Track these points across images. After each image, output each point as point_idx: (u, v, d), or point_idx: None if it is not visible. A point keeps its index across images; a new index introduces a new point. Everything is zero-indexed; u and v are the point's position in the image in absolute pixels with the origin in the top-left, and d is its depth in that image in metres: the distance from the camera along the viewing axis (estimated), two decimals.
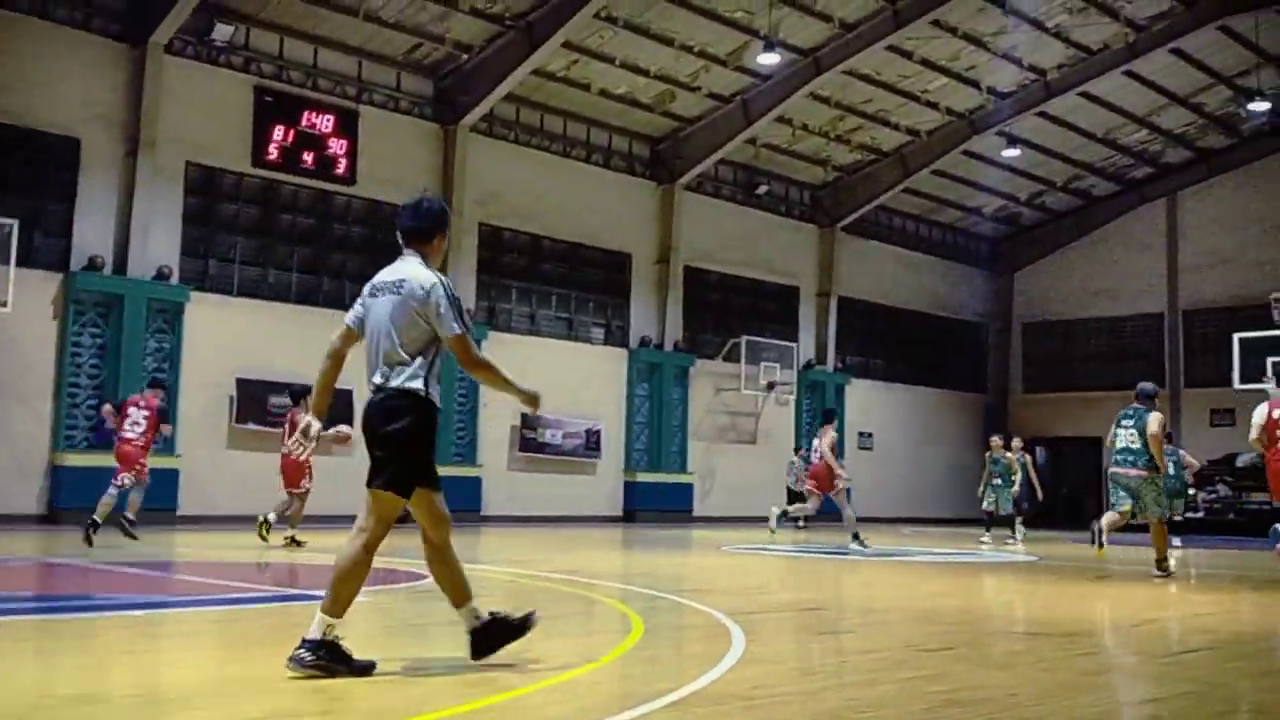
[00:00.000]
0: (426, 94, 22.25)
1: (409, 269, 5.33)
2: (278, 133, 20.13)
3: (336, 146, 20.81)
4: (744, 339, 26.71)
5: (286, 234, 20.57)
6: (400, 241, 5.55)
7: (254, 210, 20.24)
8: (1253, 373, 24.26)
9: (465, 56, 21.66)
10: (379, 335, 5.21)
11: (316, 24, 20.31)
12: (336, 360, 5.50)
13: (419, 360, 5.11)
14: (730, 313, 27.55)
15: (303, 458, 13.57)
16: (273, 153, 20.09)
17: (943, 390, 32.35)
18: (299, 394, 13.36)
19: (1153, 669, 5.74)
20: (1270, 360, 23.83)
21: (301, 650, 4.75)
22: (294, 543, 13.09)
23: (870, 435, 30.14)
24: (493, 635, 5.17)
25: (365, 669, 4.81)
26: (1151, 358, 31.24)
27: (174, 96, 18.98)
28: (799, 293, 29.00)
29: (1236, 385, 24.99)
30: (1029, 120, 26.91)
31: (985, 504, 19.98)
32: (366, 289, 5.45)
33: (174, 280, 18.79)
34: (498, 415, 22.57)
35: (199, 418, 18.96)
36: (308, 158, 20.50)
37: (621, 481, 24.73)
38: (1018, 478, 20.06)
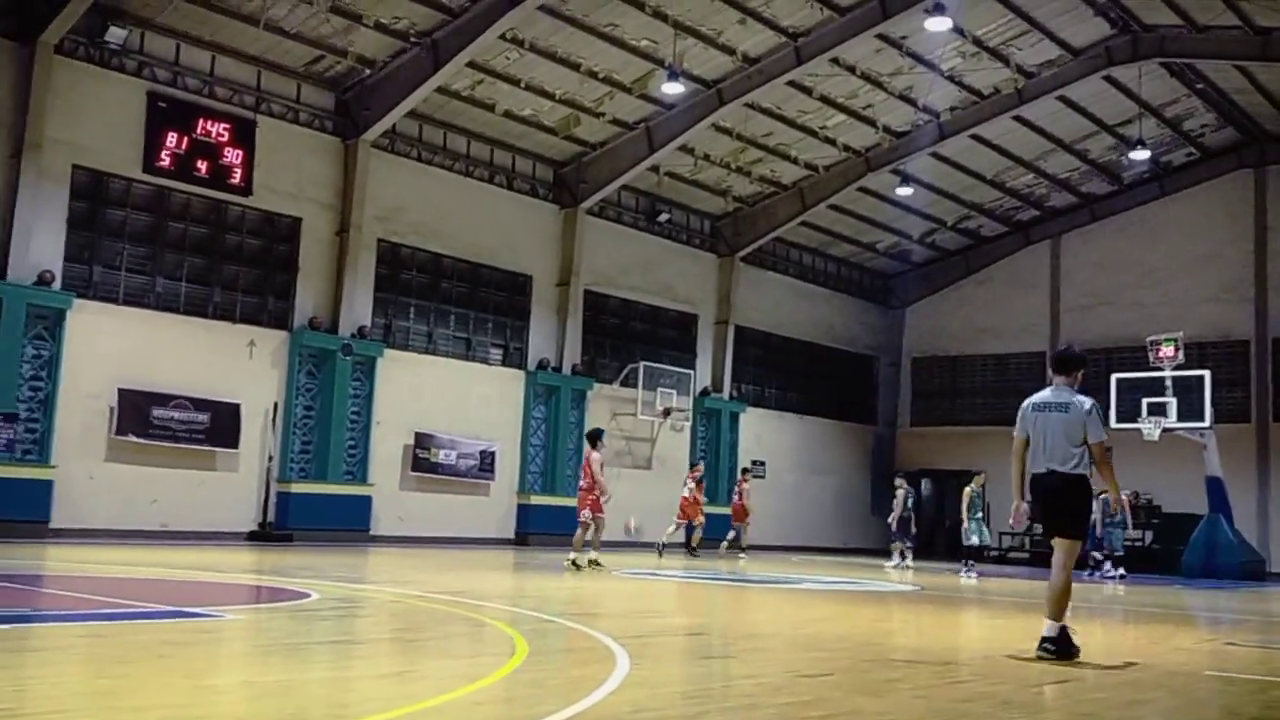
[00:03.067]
0: (327, 107, 21.97)
1: (1067, 395, 7.65)
2: (171, 139, 19.64)
3: (232, 156, 20.38)
4: (642, 364, 26.86)
5: (177, 243, 20.05)
6: (1051, 372, 7.96)
7: (144, 217, 19.69)
8: (1129, 413, 25.19)
9: (368, 71, 21.46)
10: (1050, 437, 7.57)
11: (214, 31, 19.92)
12: (1020, 459, 7.75)
13: (1078, 453, 7.50)
14: (629, 338, 27.68)
15: (605, 500, 15.49)
16: (165, 159, 19.59)
17: (833, 421, 32.91)
18: (595, 437, 15.90)
19: (1024, 698, 5.90)
20: (1146, 401, 24.75)
21: (1045, 645, 7.34)
22: (594, 565, 15.20)
23: (763, 463, 30.49)
24: (1061, 645, 7.35)
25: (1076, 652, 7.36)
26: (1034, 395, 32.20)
27: (63, 98, 18.40)
28: (697, 320, 29.27)
29: (1113, 425, 25.89)
30: (922, 160, 27.68)
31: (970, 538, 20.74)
32: (1029, 406, 7.77)
33: (56, 286, 18.16)
34: (390, 434, 22.28)
35: (77, 428, 18.32)
36: (202, 166, 20.04)
37: (515, 504, 24.58)
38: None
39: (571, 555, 15.44)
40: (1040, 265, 32.52)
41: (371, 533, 21.52)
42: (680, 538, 23.24)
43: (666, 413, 27.21)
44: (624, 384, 26.90)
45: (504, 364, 24.86)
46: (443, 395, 23.38)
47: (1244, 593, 19.07)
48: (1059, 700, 5.86)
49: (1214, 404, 24.54)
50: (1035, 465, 7.61)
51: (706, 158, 26.68)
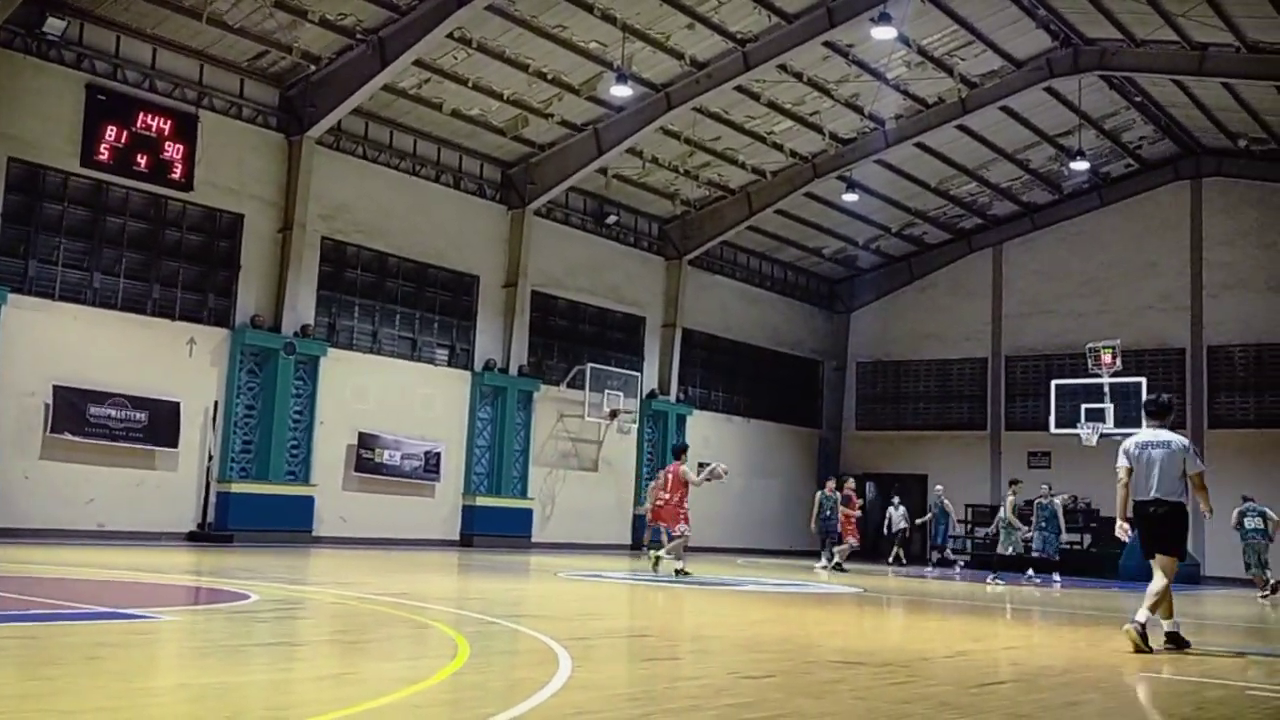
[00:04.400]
0: (271, 103, 21.70)
1: (1166, 434, 9.01)
2: (110, 133, 19.28)
3: (173, 150, 20.06)
4: (589, 366, 26.83)
5: (115, 238, 19.68)
6: (1146, 414, 9.46)
7: (81, 212, 19.31)
8: (1068, 419, 25.65)
9: (313, 68, 21.22)
10: (1156, 471, 8.82)
11: (156, 23, 19.59)
12: (1125, 488, 8.96)
13: (1180, 484, 8.84)
14: (576, 340, 27.64)
15: (683, 510, 16.04)
16: (104, 153, 19.23)
17: (780, 424, 33.11)
18: (679, 450, 16.92)
19: (962, 699, 5.96)
20: (1085, 407, 25.21)
21: (1154, 641, 8.70)
22: (682, 573, 15.61)
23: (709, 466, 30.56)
24: (1179, 642, 8.85)
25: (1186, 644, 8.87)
26: (976, 400, 32.69)
27: None
28: (645, 323, 29.31)
29: (1052, 429, 26.35)
30: (868, 166, 27.94)
31: (1005, 548, 20.96)
32: (1133, 445, 9.04)
33: None
34: (333, 434, 22.05)
35: (12, 426, 17.93)
36: (142, 160, 19.69)
37: (460, 505, 24.44)
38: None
39: (668, 558, 16.01)
40: (983, 273, 32.97)
41: (314, 534, 21.29)
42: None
43: (613, 415, 27.22)
44: (571, 386, 26.85)
45: (450, 364, 24.71)
46: (387, 395, 23.19)
47: (1179, 596, 19.38)
48: (996, 702, 5.94)
49: None
50: (1139, 494, 8.94)
51: (655, 161, 26.73)
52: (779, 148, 26.97)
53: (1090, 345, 25.46)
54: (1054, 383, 26.69)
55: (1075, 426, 25.10)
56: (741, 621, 10.29)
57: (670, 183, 27.96)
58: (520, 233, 25.66)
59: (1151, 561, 8.95)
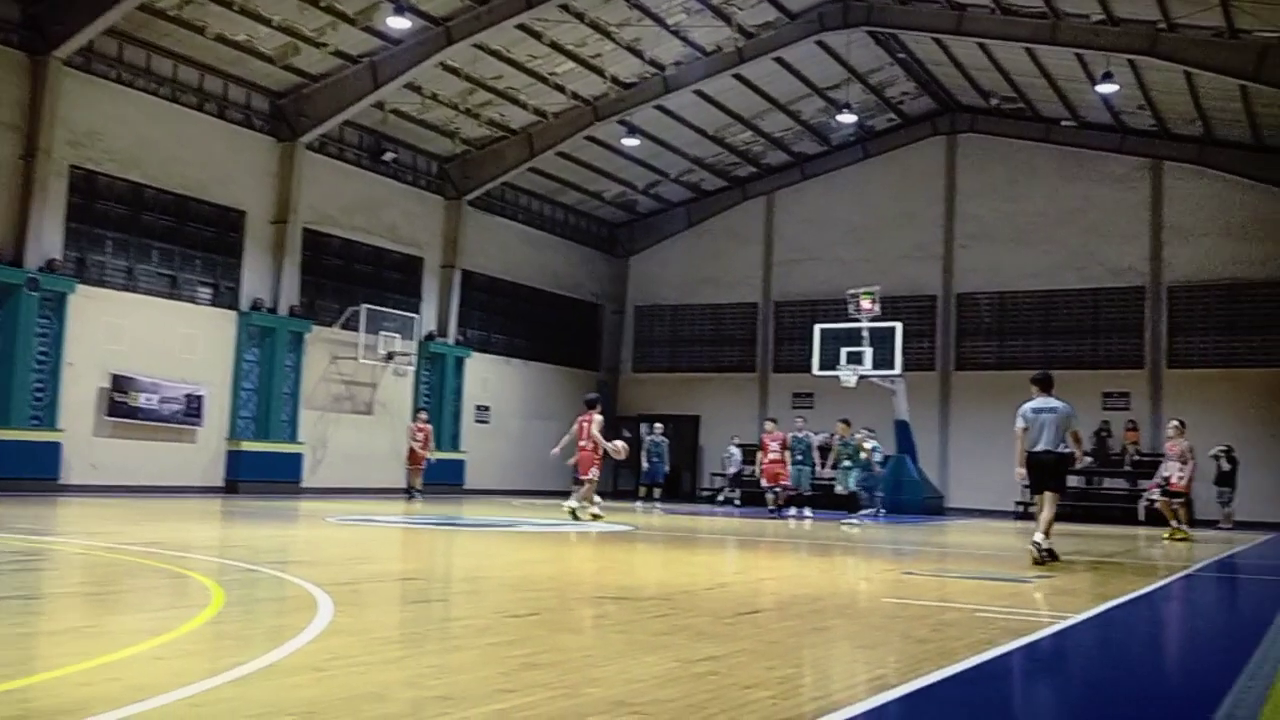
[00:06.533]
0: (12, 18, 19.93)
1: (1054, 402, 11.70)
2: None
3: None
4: (364, 307, 26.17)
5: None
6: (1037, 384, 11.92)
7: None
8: (830, 361, 26.87)
9: None
10: (1046, 429, 11.52)
11: None
12: (1021, 442, 11.65)
13: (1062, 439, 11.53)
14: (351, 280, 26.86)
15: (598, 457, 16.99)
16: None
17: (558, 367, 33.30)
18: (593, 402, 17.68)
19: (718, 629, 6.21)
20: (845, 350, 26.45)
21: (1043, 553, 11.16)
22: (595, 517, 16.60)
23: (488, 409, 30.52)
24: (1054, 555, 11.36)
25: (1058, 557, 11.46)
26: (747, 344, 33.79)
27: None
28: (423, 264, 28.77)
29: (816, 371, 27.56)
30: (648, 112, 28.19)
31: (837, 486, 21.24)
32: (1029, 409, 11.69)
33: None
34: (83, 375, 20.74)
35: None
36: None
37: (224, 450, 23.49)
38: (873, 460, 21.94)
39: (572, 504, 16.91)
40: (756, 220, 33.94)
41: (61, 481, 20.04)
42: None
43: (390, 357, 26.71)
44: (345, 327, 26.14)
45: (213, 304, 23.59)
46: (144, 336, 21.95)
47: (926, 527, 20.82)
48: (749, 630, 6.22)
49: (904, 353, 26.52)
50: (1032, 446, 11.55)
51: (434, 97, 26.13)
52: (561, 89, 26.83)
53: (851, 291, 26.68)
54: (818, 327, 27.82)
55: (836, 369, 26.31)
56: (512, 561, 10.37)
57: (450, 121, 27.41)
58: (291, 167, 24.63)
59: (1038, 496, 11.97)
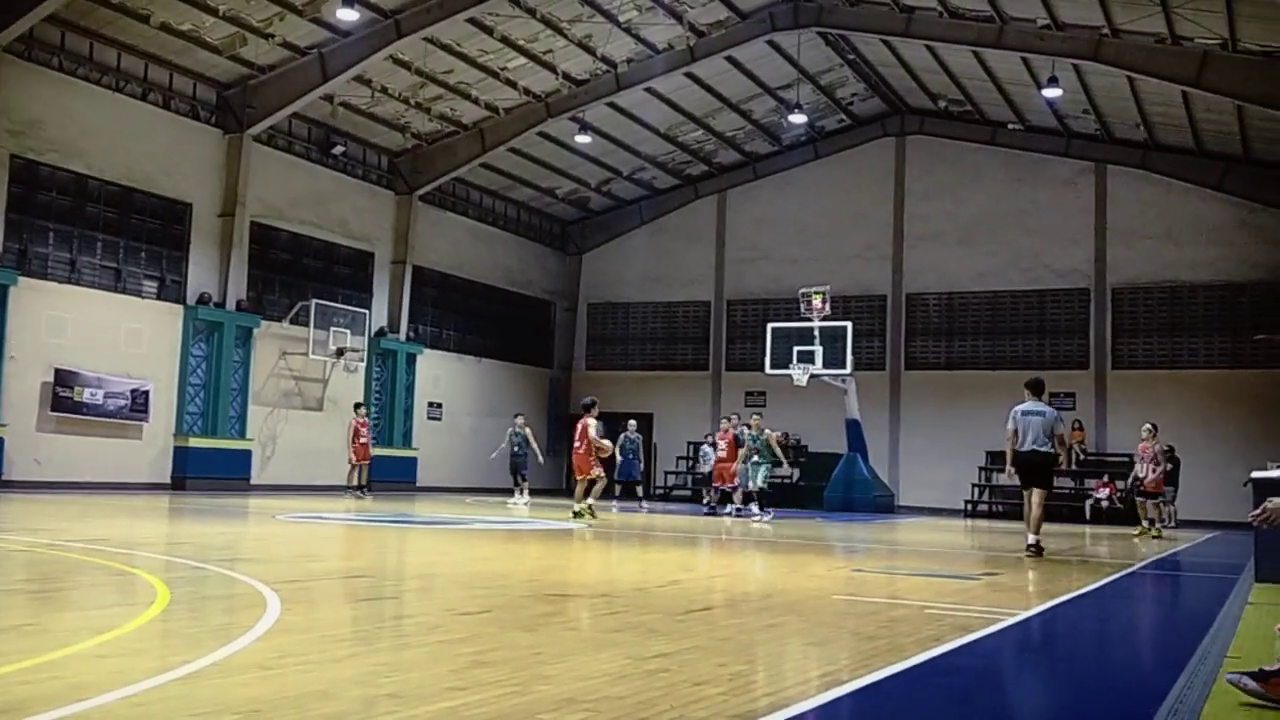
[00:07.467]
0: None
1: (1042, 406, 12.77)
2: None
3: None
4: (314, 302, 25.90)
5: None
6: (1029, 389, 13.02)
7: None
8: (782, 360, 26.96)
9: None
10: (1032, 431, 12.60)
11: None
12: (1011, 443, 12.76)
13: (1048, 440, 12.58)
14: (300, 274, 26.56)
15: (592, 458, 17.22)
16: None
17: (511, 364, 33.16)
18: (589, 405, 17.70)
19: (668, 626, 6.22)
20: (796, 349, 26.57)
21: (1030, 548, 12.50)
22: (591, 512, 16.89)
23: (440, 405, 30.33)
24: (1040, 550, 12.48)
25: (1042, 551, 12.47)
26: (699, 342, 33.86)
27: None
28: (374, 259, 28.52)
29: (768, 370, 27.66)
30: (600, 109, 28.14)
31: (744, 482, 21.08)
32: (1018, 412, 12.74)
33: None
34: (26, 369, 20.34)
35: None
36: None
37: (171, 447, 23.14)
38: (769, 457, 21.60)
39: (580, 506, 16.96)
40: (708, 219, 34.01)
41: (5, 478, 19.65)
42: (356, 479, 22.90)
43: (340, 353, 26.46)
44: (294, 322, 25.86)
45: (159, 298, 23.23)
46: (88, 329, 21.57)
47: (876, 525, 21.00)
48: (699, 627, 6.23)
49: (854, 353, 26.70)
50: (1021, 446, 12.60)
51: (384, 91, 25.90)
52: (513, 85, 26.71)
53: (803, 290, 26.80)
54: (770, 326, 27.91)
55: (788, 368, 26.43)
56: (464, 559, 10.32)
57: (400, 115, 27.19)
58: (238, 159, 24.30)
59: (1026, 492, 12.75)
